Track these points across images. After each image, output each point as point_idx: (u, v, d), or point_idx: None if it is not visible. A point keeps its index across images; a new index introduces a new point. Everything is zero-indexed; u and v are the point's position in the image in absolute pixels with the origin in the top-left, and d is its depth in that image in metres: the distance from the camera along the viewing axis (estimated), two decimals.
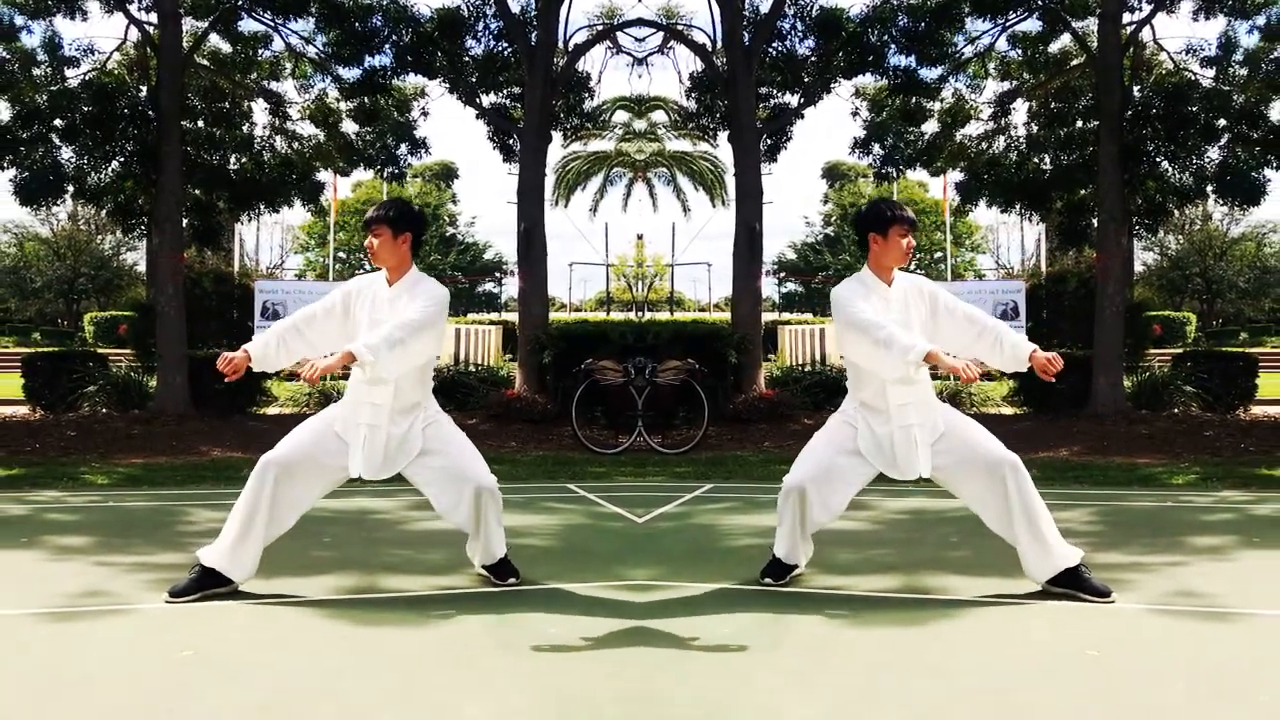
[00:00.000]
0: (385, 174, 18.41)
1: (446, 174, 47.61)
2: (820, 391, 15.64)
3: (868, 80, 17.28)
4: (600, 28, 17.05)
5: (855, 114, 17.61)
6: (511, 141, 17.08)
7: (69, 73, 15.81)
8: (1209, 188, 16.24)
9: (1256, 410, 15.36)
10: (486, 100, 17.12)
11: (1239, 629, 4.52)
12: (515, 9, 16.14)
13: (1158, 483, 9.48)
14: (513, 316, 21.22)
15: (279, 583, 5.05)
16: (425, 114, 17.90)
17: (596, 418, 12.73)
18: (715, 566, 5.78)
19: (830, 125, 47.23)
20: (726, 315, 18.06)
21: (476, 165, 55.83)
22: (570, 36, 16.64)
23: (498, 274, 44.92)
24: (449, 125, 63.03)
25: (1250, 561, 5.94)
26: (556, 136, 17.68)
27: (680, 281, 42.07)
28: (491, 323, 22.52)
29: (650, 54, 17.83)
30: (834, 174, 49.44)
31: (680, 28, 17.16)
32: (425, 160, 21.21)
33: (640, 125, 24.99)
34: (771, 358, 20.91)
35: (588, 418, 12.49)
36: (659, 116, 25.00)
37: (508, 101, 17.45)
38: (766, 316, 22.72)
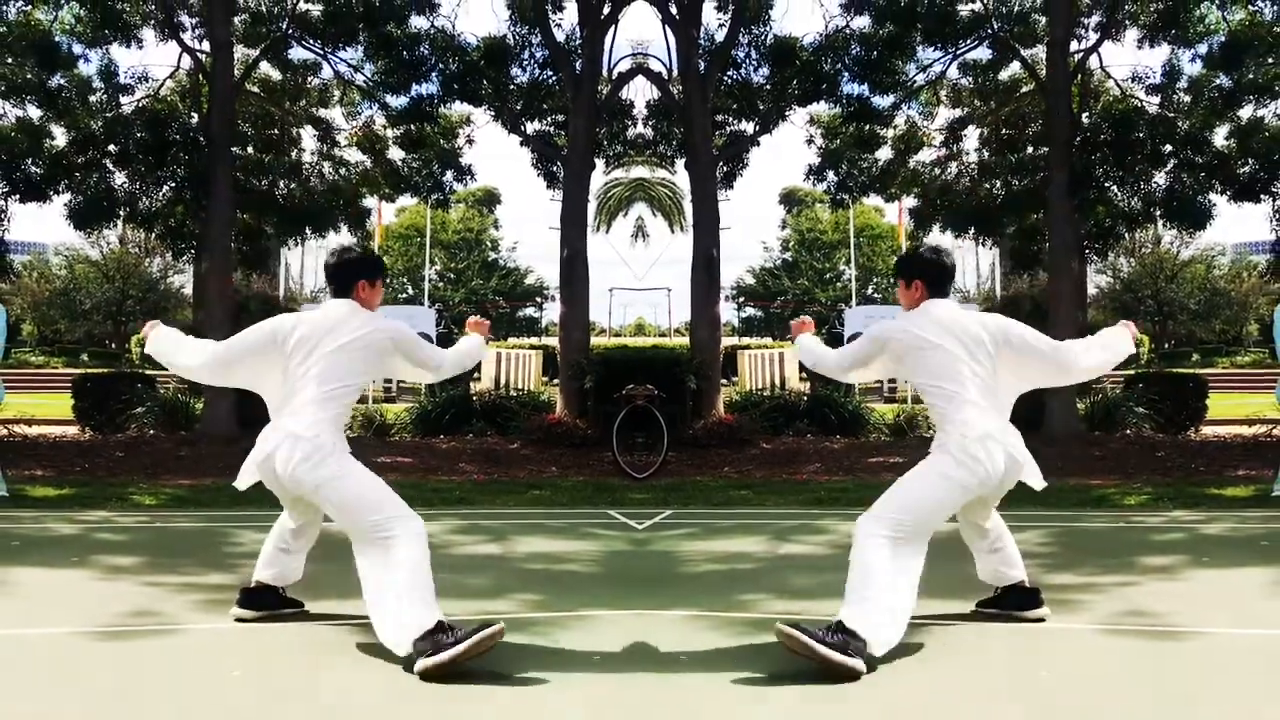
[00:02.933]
0: (430, 200, 18.51)
1: (489, 200, 47.59)
2: (779, 416, 15.69)
3: (822, 108, 17.46)
4: (643, 56, 17.15)
5: (810, 141, 17.77)
6: (555, 168, 17.10)
7: (123, 100, 16.14)
8: (1157, 212, 16.53)
9: (1207, 430, 15.60)
10: (531, 127, 17.19)
11: (1189, 647, 4.60)
12: (560, 38, 16.23)
13: (1110, 504, 9.60)
14: (553, 341, 21.22)
15: (324, 604, 5.05)
16: (471, 141, 17.95)
17: (637, 443, 12.72)
18: (674, 592, 5.79)
19: (786, 152, 47.56)
20: (686, 340, 18.11)
21: (519, 191, 55.63)
22: (614, 65, 16.68)
23: (539, 299, 44.81)
24: (493, 152, 63.19)
25: (1200, 580, 6.04)
26: (599, 163, 17.70)
27: (640, 307, 42.12)
28: (532, 347, 22.39)
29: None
30: (791, 200, 49.78)
31: (637, 56, 17.27)
32: (469, 186, 21.25)
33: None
34: (731, 382, 20.98)
35: (628, 444, 12.49)
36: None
37: (551, 129, 17.56)
38: (726, 341, 22.85)
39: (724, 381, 17.27)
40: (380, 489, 4.47)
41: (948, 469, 4.50)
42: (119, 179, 15.92)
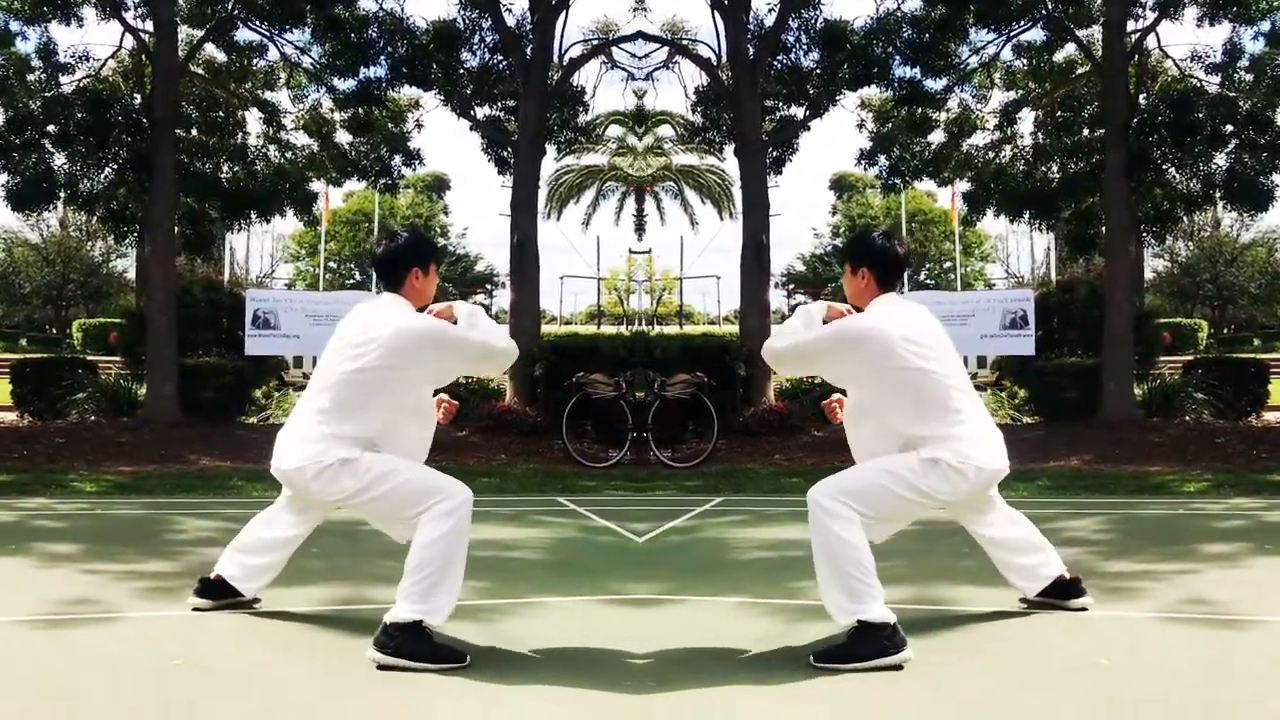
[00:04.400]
0: (379, 184, 18.39)
1: (439, 185, 47.54)
2: None
3: (873, 91, 17.32)
4: (596, 42, 17.11)
5: (861, 125, 17.64)
6: (505, 154, 17.03)
7: (63, 79, 15.78)
8: (1217, 194, 16.24)
9: (1268, 416, 15.30)
10: (481, 112, 17.10)
11: (1251, 636, 4.50)
12: (511, 23, 16.16)
13: (1169, 490, 9.46)
14: (504, 329, 21.09)
15: (269, 593, 4.92)
16: (420, 125, 17.89)
17: (587, 431, 12.72)
18: (726, 580, 5.78)
19: (836, 137, 47.18)
20: (736, 328, 18.06)
21: (469, 176, 55.51)
22: (565, 51, 16.69)
23: (489, 286, 44.65)
24: (443, 136, 63.16)
25: (1262, 569, 5.92)
26: (550, 149, 17.74)
27: (689, 295, 41.92)
28: None
29: (655, 69, 17.89)
30: (841, 185, 49.33)
31: (685, 42, 17.22)
32: (418, 171, 21.10)
33: (633, 140, 25.18)
34: None
35: (578, 431, 12.50)
36: (665, 131, 25.09)
37: (502, 114, 17.44)
38: (775, 328, 22.74)
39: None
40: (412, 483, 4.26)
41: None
42: (59, 160, 15.66)
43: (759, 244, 15.59)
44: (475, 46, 16.63)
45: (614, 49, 17.11)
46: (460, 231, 50.59)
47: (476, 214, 57.61)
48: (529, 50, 15.91)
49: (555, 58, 16.34)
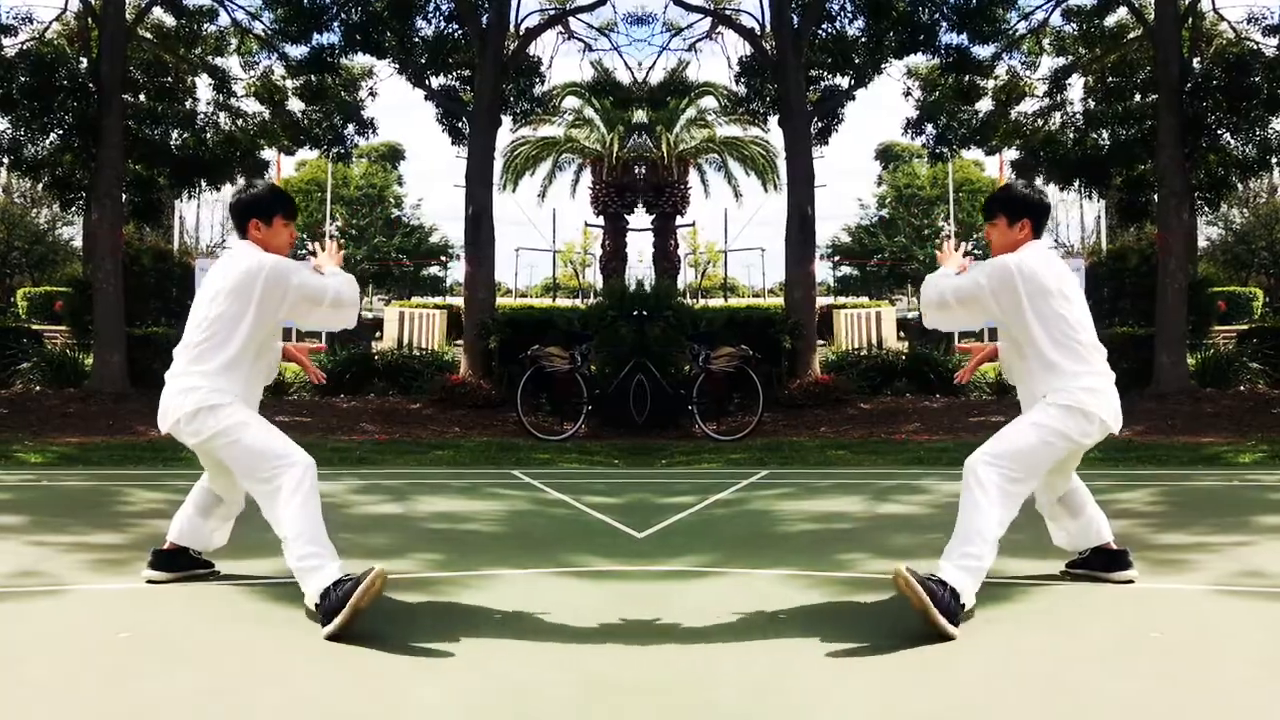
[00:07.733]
0: (331, 154, 18.18)
1: (393, 155, 47.36)
2: (877, 375, 15.52)
3: (919, 60, 17.10)
4: (552, 12, 16.92)
5: (907, 94, 17.41)
6: (460, 124, 16.82)
7: (5, 41, 15.36)
8: (1273, 160, 15.92)
9: None
10: (436, 82, 16.86)
11: None
12: None
13: (1223, 462, 9.31)
14: (458, 301, 20.95)
15: (218, 564, 4.92)
16: (373, 94, 17.66)
17: (542, 404, 12.73)
18: (771, 552, 5.76)
19: (882, 106, 46.70)
20: (781, 300, 17.97)
21: (424, 147, 54.83)
22: (522, 20, 16.47)
23: (443, 258, 44.45)
24: (397, 106, 62.84)
25: None
26: (506, 121, 17.58)
27: (734, 267, 41.72)
28: (436, 307, 22.04)
29: (699, 40, 17.76)
30: (888, 155, 48.79)
31: (728, 12, 17.07)
32: (372, 140, 20.96)
33: (590, 113, 25.13)
34: (827, 342, 20.79)
35: (533, 404, 12.50)
36: (709, 102, 24.98)
37: (457, 84, 17.18)
38: (821, 301, 22.57)
39: (820, 341, 17.10)
40: (266, 440, 4.32)
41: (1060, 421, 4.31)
42: (1, 124, 15.40)
43: (804, 215, 15.46)
44: (430, 14, 16.38)
45: (570, 19, 16.89)
46: (415, 203, 50.30)
47: (431, 185, 57.39)
48: (485, 19, 15.64)
49: (511, 27, 16.10)
